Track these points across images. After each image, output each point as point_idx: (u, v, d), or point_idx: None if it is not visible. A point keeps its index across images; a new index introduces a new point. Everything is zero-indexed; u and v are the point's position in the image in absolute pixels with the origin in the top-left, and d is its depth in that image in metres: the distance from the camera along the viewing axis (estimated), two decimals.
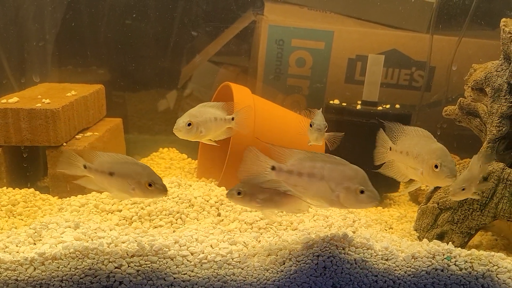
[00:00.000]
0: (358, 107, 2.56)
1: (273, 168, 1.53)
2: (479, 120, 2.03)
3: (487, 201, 1.92)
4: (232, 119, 1.92)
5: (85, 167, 1.59)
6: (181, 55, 3.32)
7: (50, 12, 2.94)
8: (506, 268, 1.70)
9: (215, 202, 2.04)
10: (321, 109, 2.01)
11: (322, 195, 1.49)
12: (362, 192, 1.48)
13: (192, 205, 2.01)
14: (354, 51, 2.99)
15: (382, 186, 2.57)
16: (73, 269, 1.53)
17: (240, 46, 3.36)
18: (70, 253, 1.52)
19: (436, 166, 1.53)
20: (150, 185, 1.52)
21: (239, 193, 1.60)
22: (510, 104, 1.88)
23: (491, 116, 1.93)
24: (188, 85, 3.29)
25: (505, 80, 1.89)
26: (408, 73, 3.07)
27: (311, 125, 1.90)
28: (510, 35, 1.85)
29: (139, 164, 1.58)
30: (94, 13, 3.02)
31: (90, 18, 3.01)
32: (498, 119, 1.90)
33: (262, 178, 1.54)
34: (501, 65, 1.92)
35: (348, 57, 3.01)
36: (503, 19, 1.94)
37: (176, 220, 1.94)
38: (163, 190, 1.53)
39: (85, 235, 1.63)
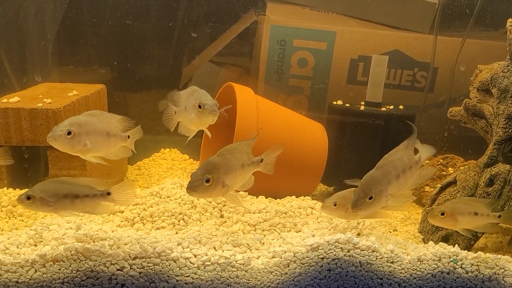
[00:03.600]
0: (362, 108, 2.54)
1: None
2: (484, 121, 2.01)
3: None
4: (128, 137, 1.66)
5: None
6: (183, 55, 3.31)
7: (51, 11, 2.92)
8: None
9: (218, 204, 2.02)
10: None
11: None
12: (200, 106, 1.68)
13: (195, 206, 1.99)
14: (356, 51, 2.98)
15: None
16: (75, 271, 1.50)
17: (242, 47, 3.34)
18: (71, 255, 1.50)
19: (199, 106, 1.66)
20: (200, 106, 1.62)
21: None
22: None
23: (497, 118, 1.91)
24: (189, 86, 3.27)
25: (511, 82, 1.87)
26: (410, 74, 3.05)
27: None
28: None
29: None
30: (95, 12, 3.00)
31: (91, 18, 3.00)
32: (505, 121, 1.88)
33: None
34: (508, 66, 1.90)
35: (350, 57, 3.00)
36: (510, 20, 1.92)
37: (179, 221, 1.92)
38: (212, 110, 1.64)
39: (86, 237, 1.61)
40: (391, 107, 2.61)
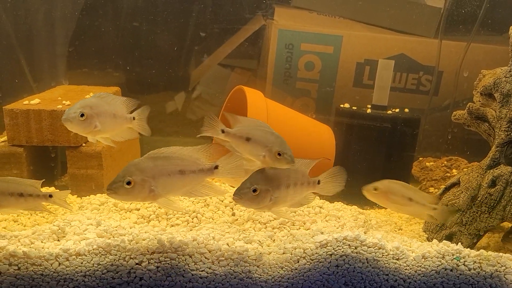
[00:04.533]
0: (368, 111, 2.61)
1: (222, 131, 1.68)
2: (487, 124, 2.08)
3: (495, 204, 1.97)
4: (134, 118, 1.74)
5: (223, 131, 1.68)
6: (192, 58, 3.39)
7: (67, 16, 3.02)
8: None
9: (230, 202, 2.10)
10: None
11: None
12: (279, 154, 1.65)
13: (208, 205, 2.07)
14: (363, 55, 3.05)
15: None
16: (96, 265, 1.59)
17: (251, 50, 3.42)
18: (93, 249, 1.59)
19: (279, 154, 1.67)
20: (279, 154, 1.62)
21: None
22: None
23: (499, 121, 1.98)
24: (198, 88, 3.35)
25: None
26: (415, 78, 3.12)
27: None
28: None
29: (274, 134, 1.69)
30: (109, 17, 3.09)
31: (105, 22, 3.09)
32: (507, 124, 1.95)
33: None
34: (510, 71, 1.97)
35: (357, 61, 3.07)
36: None
37: (192, 219, 2.00)
38: (290, 160, 1.64)
39: (106, 232, 1.69)
40: (397, 110, 2.68)
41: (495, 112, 2.00)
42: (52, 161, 2.36)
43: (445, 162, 2.70)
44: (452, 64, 3.04)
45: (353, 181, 2.60)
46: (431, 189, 2.59)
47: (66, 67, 2.94)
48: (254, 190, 1.60)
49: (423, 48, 3.07)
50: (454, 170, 2.63)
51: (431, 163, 2.75)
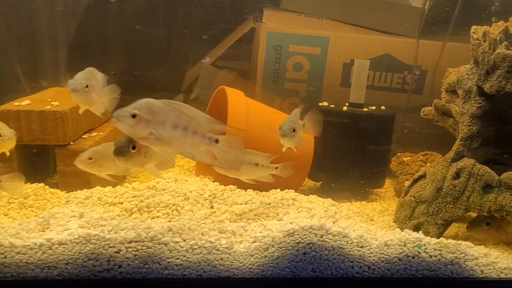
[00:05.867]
0: (345, 108, 2.72)
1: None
2: (452, 120, 2.18)
3: (459, 195, 2.07)
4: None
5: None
6: (186, 60, 3.50)
7: (59, 18, 3.14)
8: (473, 255, 1.85)
9: (209, 196, 2.22)
10: (300, 107, 2.05)
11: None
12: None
13: (187, 198, 2.19)
14: (349, 56, 3.14)
15: (368, 182, 2.74)
16: (77, 253, 1.70)
17: (241, 51, 3.53)
18: (74, 238, 1.70)
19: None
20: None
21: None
22: (479, 105, 2.03)
23: (462, 116, 2.08)
24: (193, 89, 3.47)
25: (475, 83, 2.04)
26: (400, 77, 3.21)
27: (279, 128, 1.89)
28: (478, 41, 2.01)
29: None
30: (99, 19, 3.21)
31: (96, 24, 3.21)
32: (469, 119, 2.06)
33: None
34: (471, 69, 2.08)
35: (343, 61, 3.17)
36: (473, 27, 2.09)
37: (172, 211, 2.12)
38: None
39: (88, 223, 1.82)
40: (373, 107, 2.79)
41: (459, 107, 2.10)
42: (43, 160, 2.49)
43: (421, 157, 2.80)
44: (435, 63, 3.12)
45: (331, 175, 2.73)
46: (407, 183, 2.68)
47: (58, 69, 3.07)
48: (134, 116, 1.53)
49: (408, 48, 3.16)
50: (428, 164, 2.73)
51: (408, 158, 2.85)
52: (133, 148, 1.67)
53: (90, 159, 1.85)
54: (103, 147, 1.89)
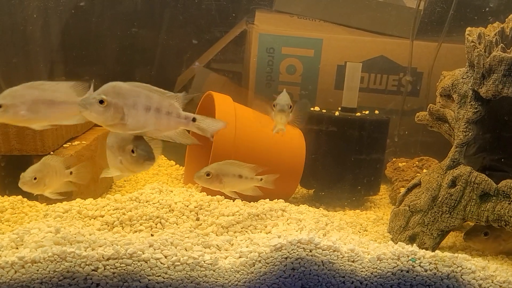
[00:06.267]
0: (337, 113, 2.63)
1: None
2: (448, 125, 2.09)
3: (455, 204, 1.98)
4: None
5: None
6: (176, 63, 3.42)
7: (44, 22, 3.06)
8: (470, 269, 1.76)
9: (195, 207, 2.13)
10: (284, 90, 1.98)
11: None
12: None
13: (172, 210, 2.10)
14: (343, 58, 3.07)
15: (363, 189, 2.65)
16: (52, 272, 1.61)
17: (232, 54, 3.46)
18: (48, 256, 1.61)
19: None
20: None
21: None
22: (475, 110, 1.95)
23: (458, 122, 1.99)
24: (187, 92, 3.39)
25: (470, 87, 1.96)
26: (396, 79, 3.14)
27: (274, 106, 1.86)
28: (473, 43, 1.92)
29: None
30: (86, 24, 3.13)
31: (81, 27, 3.13)
32: (465, 125, 1.97)
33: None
34: (467, 72, 1.99)
35: (337, 63, 3.10)
36: (468, 28, 2.01)
37: (156, 224, 2.02)
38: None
39: (64, 240, 1.72)
40: (367, 112, 2.70)
41: (454, 113, 2.02)
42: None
43: (417, 163, 2.72)
44: (431, 64, 3.05)
45: (324, 183, 2.65)
46: (402, 190, 2.59)
47: (42, 75, 2.99)
48: (101, 102, 1.44)
49: (403, 50, 3.09)
50: (424, 170, 2.65)
51: (403, 164, 2.76)
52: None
53: (35, 179, 1.77)
54: (43, 164, 1.83)
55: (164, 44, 3.33)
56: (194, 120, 1.63)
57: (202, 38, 3.37)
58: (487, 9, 2.94)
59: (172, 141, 1.69)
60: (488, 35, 1.94)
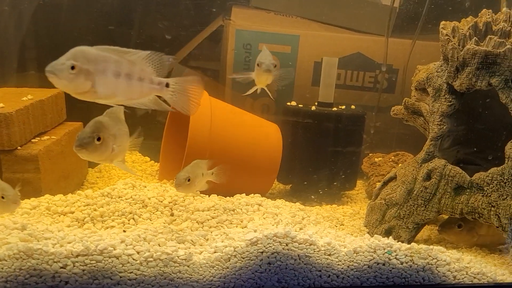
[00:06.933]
0: (313, 108, 2.62)
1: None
2: (423, 119, 2.10)
3: (430, 197, 1.99)
4: (167, 85, 1.55)
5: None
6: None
7: (13, 16, 2.95)
8: (445, 261, 1.77)
9: (169, 203, 2.08)
10: (264, 46, 1.91)
11: None
12: None
13: (146, 205, 2.04)
14: (320, 54, 3.05)
15: (339, 184, 2.65)
16: (18, 270, 1.54)
17: (209, 50, 3.41)
18: (13, 254, 1.54)
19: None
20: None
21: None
22: (450, 103, 1.96)
23: (432, 115, 2.00)
24: None
25: (444, 81, 1.97)
26: (372, 76, 3.15)
27: (258, 65, 1.77)
28: (447, 37, 1.93)
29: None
30: (55, 17, 3.04)
31: (51, 23, 3.03)
32: (439, 118, 1.98)
33: None
34: (441, 66, 2.00)
35: (314, 60, 3.08)
36: (442, 22, 2.02)
37: (129, 220, 1.97)
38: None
39: (31, 236, 1.65)
40: (343, 107, 2.70)
41: (429, 106, 2.03)
42: None
43: (393, 157, 2.73)
44: (406, 61, 3.07)
45: (301, 178, 2.63)
46: (378, 184, 2.60)
47: (9, 69, 2.88)
48: (72, 68, 1.38)
49: (379, 47, 3.10)
50: (400, 165, 2.66)
51: (379, 159, 2.77)
52: (98, 139, 1.51)
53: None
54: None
55: (140, 40, 3.26)
56: (167, 85, 1.55)
57: (178, 34, 3.31)
58: (462, 6, 2.97)
59: (145, 108, 1.61)
60: (462, 29, 1.95)
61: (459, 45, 1.90)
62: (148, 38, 3.23)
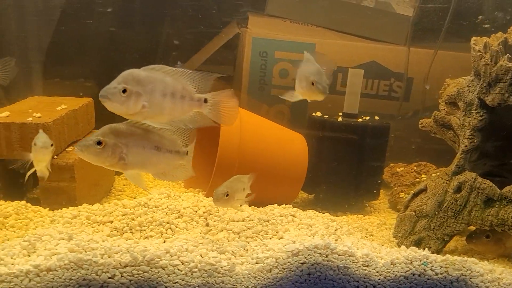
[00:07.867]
0: (339, 119, 2.66)
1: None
2: (452, 132, 2.15)
3: (460, 209, 2.04)
4: (205, 101, 1.59)
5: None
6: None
7: (39, 25, 2.99)
8: (478, 272, 1.81)
9: (204, 213, 2.12)
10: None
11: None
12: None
13: (181, 215, 2.08)
14: (336, 62, 3.10)
15: (364, 195, 2.69)
16: (68, 280, 1.58)
17: (226, 57, 3.45)
18: (64, 264, 1.58)
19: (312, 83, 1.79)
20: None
21: None
22: (481, 118, 2.01)
23: (463, 129, 2.05)
24: None
25: (476, 95, 2.02)
26: (387, 84, 3.19)
27: (312, 84, 1.88)
28: (480, 53, 1.98)
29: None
30: (81, 25, 3.07)
31: (77, 32, 3.07)
32: (470, 132, 2.03)
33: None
34: (472, 81, 2.05)
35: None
36: (473, 38, 2.07)
37: (166, 230, 2.00)
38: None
39: (78, 247, 1.69)
40: (367, 118, 2.74)
41: (459, 120, 2.08)
42: (23, 174, 2.33)
43: (415, 168, 2.78)
44: (422, 71, 3.12)
45: (324, 187, 2.67)
46: (402, 194, 2.66)
47: (37, 77, 2.91)
48: (124, 91, 1.44)
49: (394, 56, 3.15)
50: (423, 176, 2.71)
51: (402, 169, 2.82)
52: (99, 143, 1.52)
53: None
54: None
55: (152, 46, 3.30)
56: (206, 101, 1.61)
57: (192, 40, 3.35)
58: (480, 18, 3.03)
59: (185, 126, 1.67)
60: (492, 45, 2.00)
61: (491, 61, 1.95)
62: (171, 46, 3.27)
